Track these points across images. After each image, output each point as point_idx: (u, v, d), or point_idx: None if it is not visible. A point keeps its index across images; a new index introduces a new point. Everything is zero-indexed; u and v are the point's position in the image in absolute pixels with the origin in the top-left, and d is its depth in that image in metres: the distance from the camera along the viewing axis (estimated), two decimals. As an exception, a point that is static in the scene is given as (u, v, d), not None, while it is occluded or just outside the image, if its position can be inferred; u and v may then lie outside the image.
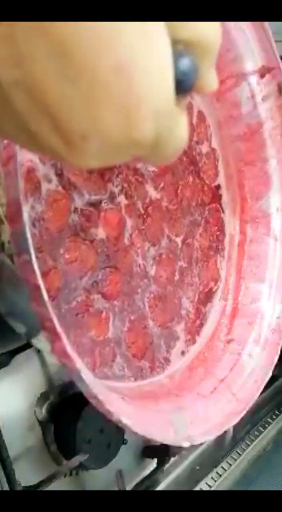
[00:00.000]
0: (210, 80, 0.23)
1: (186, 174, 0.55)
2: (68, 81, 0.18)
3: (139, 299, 0.49)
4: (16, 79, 0.18)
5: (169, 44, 0.20)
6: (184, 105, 0.22)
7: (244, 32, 0.51)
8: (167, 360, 0.51)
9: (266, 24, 0.51)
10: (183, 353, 0.53)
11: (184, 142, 0.22)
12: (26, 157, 0.40)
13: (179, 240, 0.54)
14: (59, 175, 0.42)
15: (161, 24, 0.19)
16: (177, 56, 0.21)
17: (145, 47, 0.18)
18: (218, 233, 0.58)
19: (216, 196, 0.58)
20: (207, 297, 0.57)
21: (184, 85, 0.21)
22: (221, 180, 0.59)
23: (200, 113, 0.56)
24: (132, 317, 0.48)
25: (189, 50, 0.22)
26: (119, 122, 0.19)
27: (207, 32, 0.22)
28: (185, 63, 0.21)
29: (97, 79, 0.18)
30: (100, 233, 0.45)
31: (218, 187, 0.59)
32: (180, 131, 0.21)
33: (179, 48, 0.22)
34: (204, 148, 0.57)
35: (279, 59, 0.53)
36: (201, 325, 0.56)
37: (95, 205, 0.45)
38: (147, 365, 0.49)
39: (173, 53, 0.21)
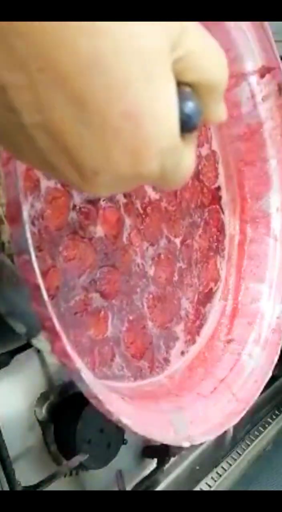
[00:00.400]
0: (218, 113, 0.25)
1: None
2: (82, 125, 0.20)
3: (138, 299, 0.49)
4: (38, 123, 0.20)
5: (175, 88, 0.22)
6: (190, 138, 0.24)
7: (244, 32, 0.51)
8: (167, 361, 0.51)
9: (266, 24, 0.51)
10: (182, 353, 0.53)
11: (190, 171, 0.24)
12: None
13: (178, 241, 0.54)
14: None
15: (168, 68, 0.21)
16: (182, 98, 0.22)
17: (151, 94, 0.20)
18: (217, 234, 0.58)
19: (215, 197, 0.58)
20: (207, 297, 0.57)
21: (188, 125, 0.23)
22: (221, 181, 0.59)
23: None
24: (131, 317, 0.48)
25: (196, 90, 0.23)
26: (128, 160, 0.21)
27: (213, 73, 0.24)
28: (189, 106, 0.23)
29: (108, 123, 0.20)
30: (98, 231, 0.45)
31: (218, 188, 0.59)
32: (186, 162, 0.23)
33: (186, 89, 0.23)
34: (204, 151, 0.56)
35: (279, 59, 0.53)
36: (201, 325, 0.56)
37: (94, 202, 0.45)
38: (146, 365, 0.49)
39: (179, 95, 0.22)
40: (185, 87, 0.23)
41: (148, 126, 0.21)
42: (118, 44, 0.20)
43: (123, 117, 0.20)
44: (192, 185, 0.55)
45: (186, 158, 0.23)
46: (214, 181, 0.58)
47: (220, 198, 0.59)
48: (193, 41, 0.22)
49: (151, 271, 0.50)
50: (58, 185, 0.42)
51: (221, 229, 0.59)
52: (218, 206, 0.58)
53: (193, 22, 0.23)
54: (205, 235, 0.57)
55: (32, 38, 0.19)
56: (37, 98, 0.20)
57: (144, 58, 0.20)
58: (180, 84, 0.23)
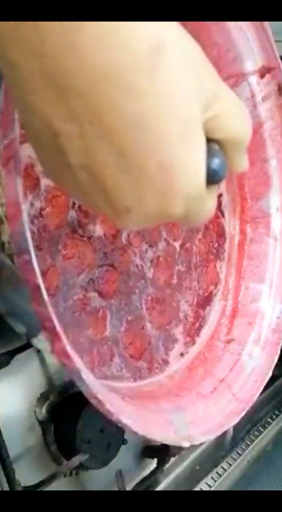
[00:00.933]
0: (241, 164, 0.29)
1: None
2: (122, 171, 0.24)
3: (137, 299, 0.49)
4: (82, 165, 0.24)
5: (205, 146, 0.25)
6: (214, 189, 0.27)
7: (244, 32, 0.51)
8: (166, 362, 0.51)
9: (266, 24, 0.51)
10: (182, 354, 0.53)
11: (210, 216, 0.28)
12: (25, 153, 0.40)
13: (177, 244, 0.54)
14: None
15: (200, 129, 0.25)
16: (210, 155, 0.26)
17: (185, 151, 0.24)
18: (217, 238, 0.58)
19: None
20: (206, 300, 0.57)
21: (214, 179, 0.26)
22: (221, 185, 0.59)
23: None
24: (129, 318, 0.48)
25: (223, 146, 0.27)
26: (158, 203, 0.25)
27: (239, 131, 0.27)
28: (216, 162, 0.26)
29: (145, 172, 0.24)
30: (98, 230, 0.45)
31: (219, 195, 0.58)
32: (207, 207, 0.27)
33: (214, 147, 0.26)
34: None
35: (279, 59, 0.53)
36: (200, 327, 0.56)
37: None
38: (145, 366, 0.49)
39: (208, 151, 0.26)
40: (213, 144, 0.26)
41: (179, 177, 0.24)
42: (160, 108, 0.23)
43: (158, 167, 0.24)
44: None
45: (208, 204, 0.27)
46: None
47: (220, 203, 0.59)
48: (222, 103, 0.26)
49: (150, 273, 0.50)
50: (58, 184, 0.42)
51: (220, 233, 0.59)
52: (218, 211, 0.58)
53: (223, 85, 0.26)
54: (205, 239, 0.57)
55: (89, 98, 0.22)
56: (85, 146, 0.23)
57: (180, 120, 0.23)
58: (209, 140, 0.26)
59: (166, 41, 0.23)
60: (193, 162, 0.24)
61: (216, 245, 0.58)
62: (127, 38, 0.22)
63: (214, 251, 0.58)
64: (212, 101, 0.25)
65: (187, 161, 0.24)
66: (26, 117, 0.24)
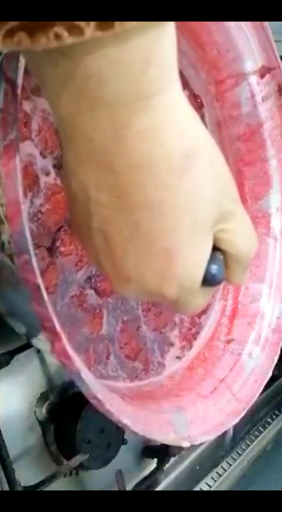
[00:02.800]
0: (239, 278, 0.31)
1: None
2: (132, 243, 0.26)
3: (133, 299, 0.49)
4: (101, 228, 0.27)
5: (210, 250, 0.28)
6: (209, 290, 0.30)
7: (244, 32, 0.51)
8: (161, 364, 0.51)
9: (266, 24, 0.51)
10: (178, 358, 0.53)
11: (196, 312, 0.33)
12: (24, 151, 0.40)
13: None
14: (57, 167, 0.42)
15: (210, 233, 0.27)
16: (212, 260, 0.28)
17: (191, 246, 0.27)
18: None
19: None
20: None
21: (210, 282, 0.29)
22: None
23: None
24: (125, 318, 0.48)
25: (226, 257, 0.30)
26: (154, 282, 0.27)
27: (244, 250, 0.30)
28: (215, 268, 0.29)
29: (151, 250, 0.26)
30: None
31: None
32: (197, 303, 0.30)
33: (218, 255, 0.29)
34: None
35: (279, 59, 0.53)
36: (197, 333, 0.55)
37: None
38: (140, 367, 0.49)
39: (211, 256, 0.28)
40: (218, 252, 0.29)
41: (179, 266, 0.27)
42: (179, 202, 0.25)
43: (163, 250, 0.26)
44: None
45: (199, 300, 0.30)
46: None
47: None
48: (235, 222, 0.29)
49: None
50: (58, 180, 0.42)
51: None
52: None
53: (239, 205, 0.29)
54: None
55: (122, 177, 0.25)
56: (108, 213, 0.26)
57: (195, 218, 0.26)
58: (215, 248, 0.29)
59: (198, 149, 0.25)
60: (194, 259, 0.27)
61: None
62: (166, 138, 0.24)
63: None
64: (226, 216, 0.28)
65: (189, 256, 0.27)
66: (68, 177, 0.27)
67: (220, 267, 0.29)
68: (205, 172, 0.26)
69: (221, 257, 0.29)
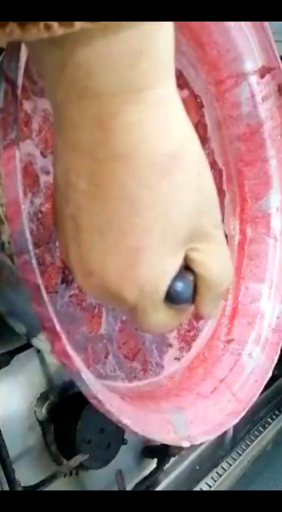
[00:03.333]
0: (209, 308, 0.30)
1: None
2: (101, 235, 0.25)
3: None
4: (74, 215, 0.26)
5: (179, 263, 0.27)
6: (174, 310, 0.28)
7: (244, 32, 0.51)
8: (160, 365, 0.51)
9: (266, 24, 0.51)
10: (176, 359, 0.53)
11: (157, 331, 0.30)
12: (24, 151, 0.40)
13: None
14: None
15: (180, 247, 0.26)
16: (180, 277, 0.27)
17: (159, 251, 0.26)
18: None
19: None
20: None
21: (174, 299, 0.27)
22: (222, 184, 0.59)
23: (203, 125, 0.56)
24: (124, 317, 0.48)
25: (197, 281, 0.28)
26: (115, 279, 0.26)
27: (216, 278, 0.29)
28: (180, 286, 0.27)
29: (118, 245, 0.25)
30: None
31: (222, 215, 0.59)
32: (158, 319, 0.28)
33: (188, 276, 0.28)
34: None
35: (279, 59, 0.53)
36: (195, 335, 0.55)
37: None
38: (139, 367, 0.49)
39: (181, 273, 0.27)
40: (189, 273, 0.28)
41: (143, 269, 0.26)
42: (156, 203, 0.25)
43: (131, 249, 0.25)
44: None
45: (161, 316, 0.28)
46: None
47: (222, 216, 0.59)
48: (213, 246, 0.28)
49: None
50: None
51: None
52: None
53: (220, 231, 0.28)
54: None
55: (103, 166, 0.25)
56: (83, 201, 0.26)
57: (168, 224, 0.25)
58: (188, 267, 0.28)
59: (185, 154, 0.25)
60: (160, 266, 0.26)
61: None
62: (152, 134, 0.24)
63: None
64: (203, 237, 0.27)
65: (156, 261, 0.26)
66: (55, 162, 0.27)
67: (187, 287, 0.28)
68: (188, 182, 0.25)
69: (191, 278, 0.28)
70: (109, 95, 0.23)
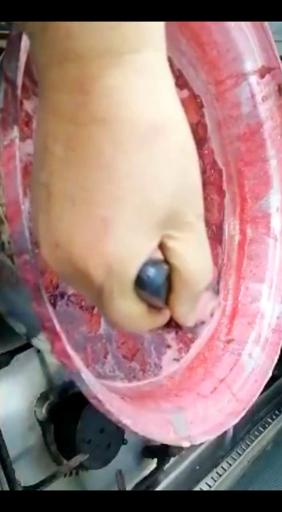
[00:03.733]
0: (184, 310, 0.28)
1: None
2: (71, 202, 0.24)
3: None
4: (47, 183, 0.24)
5: (153, 246, 0.25)
6: (143, 307, 0.26)
7: (244, 32, 0.51)
8: (158, 366, 0.51)
9: (266, 24, 0.51)
10: (176, 360, 0.53)
11: (119, 325, 0.27)
12: (24, 151, 0.40)
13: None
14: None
15: (156, 230, 0.24)
16: (153, 263, 0.25)
17: (133, 228, 0.24)
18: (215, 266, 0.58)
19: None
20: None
21: (144, 285, 0.25)
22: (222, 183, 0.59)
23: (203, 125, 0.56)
24: None
25: (173, 274, 0.26)
26: (83, 252, 0.24)
27: (191, 269, 0.26)
28: (151, 271, 0.25)
29: (89, 215, 0.24)
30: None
31: (221, 228, 0.59)
32: (123, 308, 0.26)
33: (163, 264, 0.25)
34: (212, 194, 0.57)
35: (279, 59, 0.53)
36: (194, 337, 0.55)
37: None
38: (138, 367, 0.49)
39: (154, 259, 0.25)
40: (162, 261, 0.25)
41: (112, 244, 0.24)
42: (134, 175, 0.23)
43: (101, 220, 0.23)
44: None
45: (128, 303, 0.26)
46: (218, 218, 0.58)
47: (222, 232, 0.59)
48: (192, 236, 0.25)
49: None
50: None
51: (218, 262, 0.59)
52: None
53: (201, 222, 0.26)
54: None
55: (82, 130, 0.23)
56: (58, 167, 0.24)
57: (146, 199, 0.23)
58: (165, 258, 0.25)
59: (168, 127, 0.23)
60: (132, 245, 0.24)
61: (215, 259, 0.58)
62: (134, 99, 0.23)
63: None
64: (182, 226, 0.25)
65: (127, 239, 0.24)
66: (36, 130, 0.25)
67: (160, 274, 0.26)
68: (169, 158, 0.24)
69: (166, 267, 0.26)
70: (90, 58, 0.22)
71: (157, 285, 0.25)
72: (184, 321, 0.28)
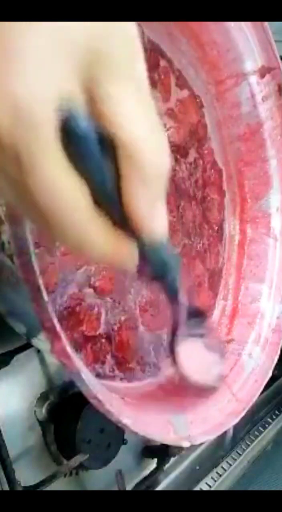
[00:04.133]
0: (142, 205, 0.21)
1: (189, 202, 0.55)
2: None
3: (132, 299, 0.49)
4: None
5: (71, 89, 0.19)
6: (83, 190, 0.20)
7: (244, 32, 0.51)
8: (156, 366, 0.51)
9: (266, 24, 0.51)
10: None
11: (49, 205, 0.20)
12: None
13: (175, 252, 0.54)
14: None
15: (73, 61, 0.19)
16: (78, 111, 0.19)
17: (43, 47, 0.18)
18: (215, 266, 0.58)
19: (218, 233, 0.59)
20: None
21: (70, 140, 0.19)
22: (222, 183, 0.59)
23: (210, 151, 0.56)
24: (123, 317, 0.48)
25: (117, 150, 0.20)
26: (5, 121, 0.18)
27: (136, 137, 0.19)
28: (77, 119, 0.19)
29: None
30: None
31: (221, 227, 0.59)
32: (48, 177, 0.19)
33: (91, 118, 0.19)
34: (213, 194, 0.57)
35: (279, 59, 0.53)
36: None
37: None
38: (137, 368, 0.49)
39: (80, 108, 0.19)
40: (94, 120, 0.19)
41: (18, 73, 0.18)
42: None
43: (8, 51, 0.18)
44: (194, 214, 0.55)
45: (59, 177, 0.19)
46: (218, 219, 0.58)
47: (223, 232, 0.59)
48: (132, 90, 0.19)
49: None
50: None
51: (218, 261, 0.59)
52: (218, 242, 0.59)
53: (146, 82, 0.20)
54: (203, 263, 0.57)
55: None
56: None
57: (60, 27, 0.19)
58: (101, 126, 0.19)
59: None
60: (45, 81, 0.18)
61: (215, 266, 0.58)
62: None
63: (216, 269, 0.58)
64: (115, 72, 0.19)
65: (40, 72, 0.18)
66: None
67: (89, 127, 0.19)
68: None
69: (97, 123, 0.19)
70: None
71: (87, 141, 0.19)
72: (142, 218, 0.21)
